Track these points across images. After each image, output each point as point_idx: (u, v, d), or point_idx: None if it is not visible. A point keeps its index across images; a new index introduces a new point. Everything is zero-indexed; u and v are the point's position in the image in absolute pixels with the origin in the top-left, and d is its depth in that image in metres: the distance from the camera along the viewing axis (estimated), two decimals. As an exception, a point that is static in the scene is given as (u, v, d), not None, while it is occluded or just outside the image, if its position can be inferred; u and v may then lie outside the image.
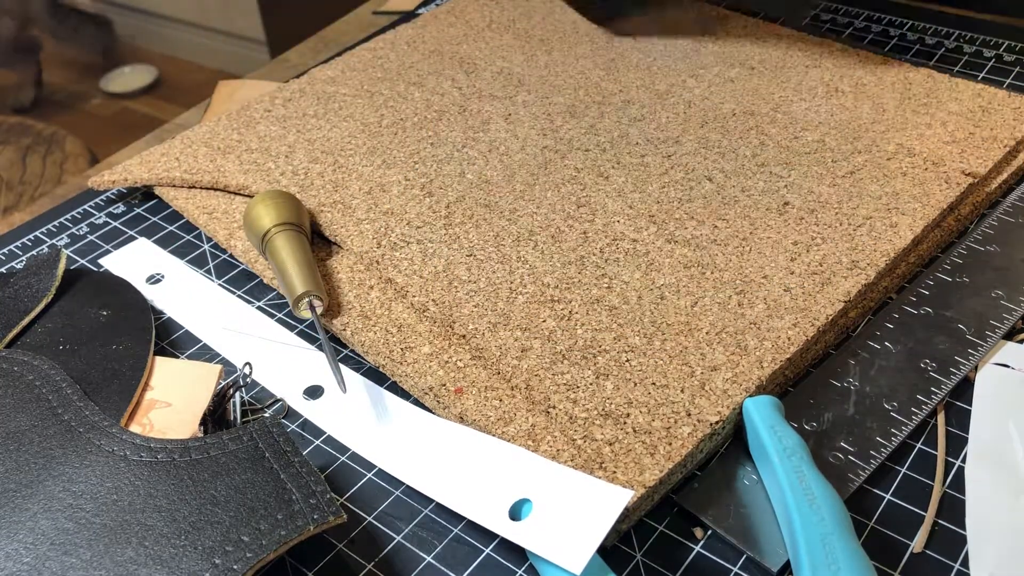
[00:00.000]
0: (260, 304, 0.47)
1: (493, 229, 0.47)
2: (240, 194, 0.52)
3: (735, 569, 0.35)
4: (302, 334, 0.45)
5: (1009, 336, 0.42)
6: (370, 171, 0.52)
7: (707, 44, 0.62)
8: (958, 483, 0.37)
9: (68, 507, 0.34)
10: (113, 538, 0.33)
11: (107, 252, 0.51)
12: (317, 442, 0.40)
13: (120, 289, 0.46)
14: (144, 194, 0.55)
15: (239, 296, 0.48)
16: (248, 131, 0.56)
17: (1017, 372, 0.40)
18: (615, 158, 0.52)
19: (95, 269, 0.50)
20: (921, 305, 0.43)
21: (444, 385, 0.40)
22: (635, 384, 0.38)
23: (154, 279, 0.49)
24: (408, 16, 0.73)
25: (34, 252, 0.52)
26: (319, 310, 0.43)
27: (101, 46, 1.93)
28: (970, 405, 0.39)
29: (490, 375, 0.40)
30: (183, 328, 0.46)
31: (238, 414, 0.40)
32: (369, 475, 0.39)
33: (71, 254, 0.51)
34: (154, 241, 0.52)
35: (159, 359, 0.42)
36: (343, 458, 0.40)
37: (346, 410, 0.41)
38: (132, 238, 0.52)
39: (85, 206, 0.55)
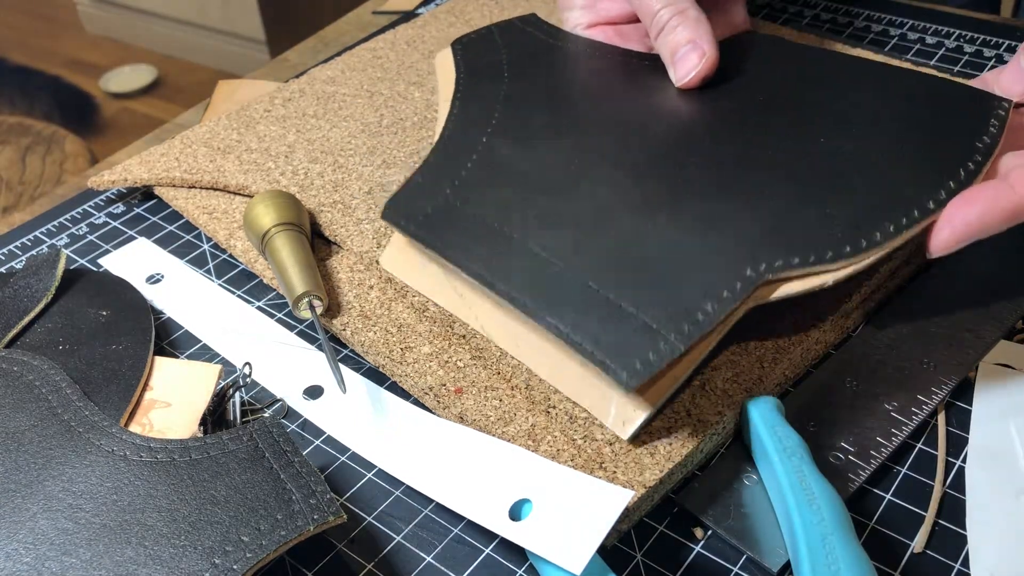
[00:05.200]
0: (260, 304, 0.47)
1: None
2: (240, 194, 0.52)
3: (735, 569, 0.35)
4: (302, 334, 0.45)
5: (1009, 336, 0.42)
6: (370, 171, 0.52)
7: None
8: (958, 483, 0.37)
9: (68, 507, 0.34)
10: (113, 538, 0.33)
11: (107, 252, 0.51)
12: (317, 442, 0.40)
13: (120, 289, 0.46)
14: (144, 194, 0.55)
15: (239, 296, 0.48)
16: (248, 131, 0.56)
17: (1017, 372, 0.40)
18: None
19: (95, 269, 0.50)
20: (921, 305, 0.43)
21: (444, 385, 0.40)
22: (635, 384, 0.38)
23: (154, 279, 0.49)
24: (408, 16, 0.73)
25: (34, 252, 0.52)
26: (319, 310, 0.43)
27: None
28: (970, 405, 0.39)
29: (490, 375, 0.40)
30: (183, 328, 0.46)
31: (238, 414, 0.40)
32: (369, 475, 0.39)
33: (71, 254, 0.51)
34: (154, 241, 0.52)
35: (159, 359, 0.42)
36: (343, 458, 0.40)
37: (346, 410, 0.41)
38: (132, 238, 0.52)
39: (85, 206, 0.55)
